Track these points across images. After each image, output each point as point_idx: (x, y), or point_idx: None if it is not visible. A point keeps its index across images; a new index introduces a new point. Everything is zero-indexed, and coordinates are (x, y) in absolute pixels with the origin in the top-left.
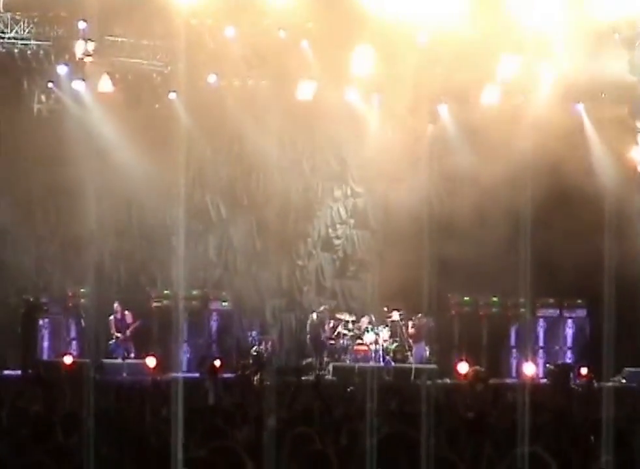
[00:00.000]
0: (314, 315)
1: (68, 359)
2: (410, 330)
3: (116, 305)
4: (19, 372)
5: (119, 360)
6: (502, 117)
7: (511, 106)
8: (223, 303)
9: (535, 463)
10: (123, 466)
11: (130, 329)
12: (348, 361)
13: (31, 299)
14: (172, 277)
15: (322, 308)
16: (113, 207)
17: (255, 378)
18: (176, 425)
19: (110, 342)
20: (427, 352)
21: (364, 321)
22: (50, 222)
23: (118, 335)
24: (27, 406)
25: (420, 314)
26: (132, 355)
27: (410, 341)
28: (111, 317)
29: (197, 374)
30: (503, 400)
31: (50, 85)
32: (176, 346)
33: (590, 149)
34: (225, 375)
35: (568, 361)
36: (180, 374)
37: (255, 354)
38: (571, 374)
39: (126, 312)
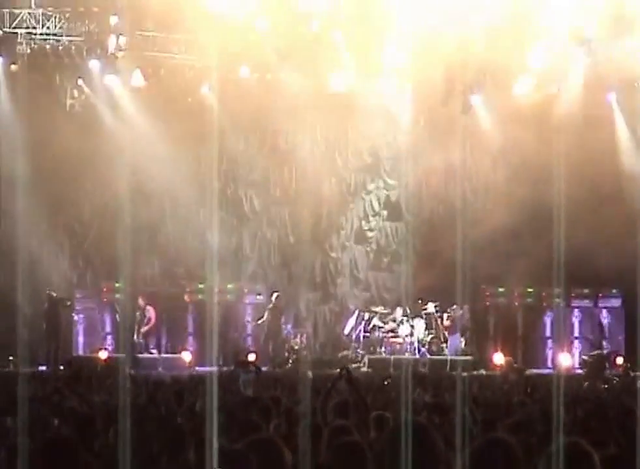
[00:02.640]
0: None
1: (103, 354)
2: (445, 322)
3: (140, 299)
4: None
5: (155, 355)
6: (535, 107)
7: (544, 96)
8: (258, 297)
9: (576, 453)
10: (161, 461)
11: (145, 328)
12: (383, 354)
13: (54, 294)
14: (206, 270)
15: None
16: (147, 201)
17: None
18: (211, 419)
19: (134, 338)
20: (463, 344)
21: (399, 313)
22: (83, 217)
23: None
24: (62, 402)
25: (454, 306)
26: (154, 351)
27: (446, 332)
28: (137, 313)
29: (232, 368)
30: (538, 390)
31: (80, 81)
32: (211, 340)
33: (621, 140)
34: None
35: (604, 351)
36: (215, 368)
37: (291, 347)
38: (607, 364)
39: (148, 307)
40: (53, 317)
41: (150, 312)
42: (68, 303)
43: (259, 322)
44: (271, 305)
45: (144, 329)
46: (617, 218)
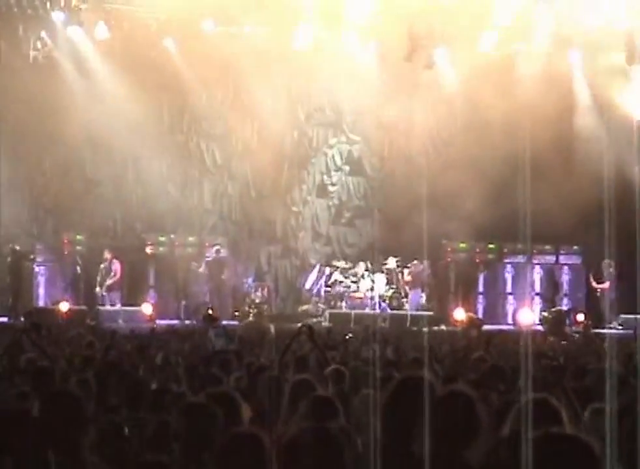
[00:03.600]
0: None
1: (64, 306)
2: (406, 277)
3: (106, 252)
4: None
5: (116, 307)
6: (498, 64)
7: (508, 52)
8: (221, 250)
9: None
10: (121, 411)
11: (109, 281)
12: (344, 309)
13: (17, 248)
14: (168, 224)
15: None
16: (109, 154)
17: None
18: (175, 372)
19: (96, 290)
20: (423, 299)
21: (360, 268)
22: (44, 170)
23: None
24: (21, 353)
25: (415, 261)
26: (118, 305)
27: (407, 287)
28: (102, 265)
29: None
30: (496, 346)
31: (43, 34)
32: (172, 293)
33: (581, 97)
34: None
35: (563, 307)
36: (176, 322)
37: (252, 300)
38: (567, 321)
39: (114, 260)
40: (15, 271)
41: (116, 265)
42: (32, 257)
43: (200, 270)
44: (210, 258)
45: (109, 282)
46: (578, 176)
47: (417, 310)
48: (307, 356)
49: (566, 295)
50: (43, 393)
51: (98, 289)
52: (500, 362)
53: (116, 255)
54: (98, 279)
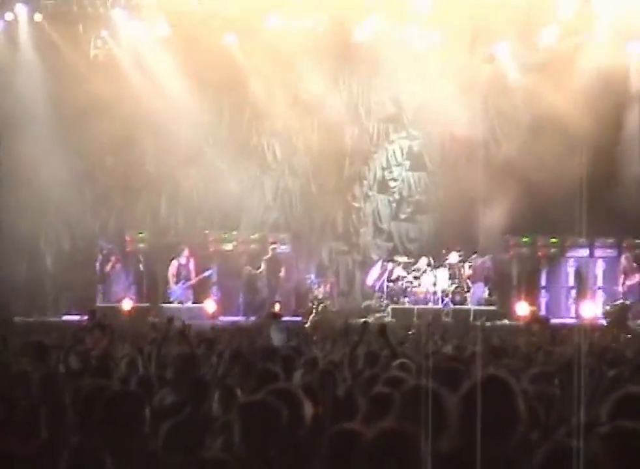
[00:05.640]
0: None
1: (127, 304)
2: (468, 271)
3: (186, 250)
4: (76, 317)
5: (178, 304)
6: (559, 58)
7: (570, 46)
8: (282, 247)
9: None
10: (183, 409)
11: (197, 278)
12: (407, 304)
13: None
14: (230, 220)
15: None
16: (171, 151)
17: (315, 321)
18: (235, 369)
19: (170, 286)
20: (486, 293)
21: (422, 263)
22: (106, 167)
23: (185, 280)
24: (86, 350)
25: (475, 255)
26: (190, 302)
27: (468, 281)
28: (174, 261)
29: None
30: (560, 340)
31: (104, 32)
32: (236, 290)
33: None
34: (285, 318)
35: (626, 301)
36: (239, 318)
37: (315, 296)
38: (629, 314)
39: (191, 258)
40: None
41: (192, 264)
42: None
43: (259, 271)
44: (268, 256)
45: (193, 281)
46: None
47: (479, 304)
48: (376, 352)
49: (629, 288)
50: (105, 395)
51: (175, 286)
52: (564, 357)
53: (194, 252)
54: (173, 275)
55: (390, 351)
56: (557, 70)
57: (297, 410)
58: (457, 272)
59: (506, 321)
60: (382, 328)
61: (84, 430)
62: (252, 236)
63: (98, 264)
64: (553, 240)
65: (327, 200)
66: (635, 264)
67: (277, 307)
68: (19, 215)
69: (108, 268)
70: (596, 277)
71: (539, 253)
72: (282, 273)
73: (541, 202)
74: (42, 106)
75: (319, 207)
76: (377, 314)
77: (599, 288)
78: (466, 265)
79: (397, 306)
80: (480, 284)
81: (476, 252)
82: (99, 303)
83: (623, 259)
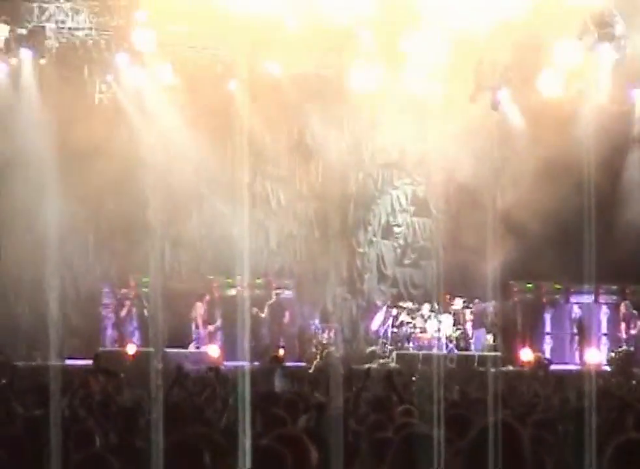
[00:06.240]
0: None
1: (131, 348)
2: (469, 316)
3: (207, 296)
4: (80, 362)
5: (182, 349)
6: (562, 103)
7: (572, 92)
8: (286, 292)
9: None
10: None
11: (212, 327)
12: (411, 349)
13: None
14: (233, 265)
15: None
16: (173, 196)
17: (319, 366)
18: (243, 414)
19: (199, 330)
20: (489, 339)
21: (426, 309)
22: (108, 212)
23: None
24: (90, 395)
25: (477, 300)
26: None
27: (469, 326)
28: (199, 303)
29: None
30: (564, 386)
31: (109, 77)
32: (240, 335)
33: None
34: (288, 363)
35: (630, 347)
36: (244, 363)
37: (319, 342)
38: (633, 361)
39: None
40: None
41: (200, 309)
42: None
43: (262, 315)
44: (272, 301)
45: (212, 327)
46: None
47: (482, 350)
48: (380, 397)
49: (633, 335)
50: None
51: (201, 330)
52: (569, 402)
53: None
54: (197, 318)
55: (397, 396)
56: (560, 116)
57: (303, 455)
58: (462, 318)
59: (510, 367)
60: (389, 374)
61: None
62: (256, 281)
63: (110, 309)
64: (557, 286)
65: (331, 246)
66: (635, 312)
67: (281, 352)
68: (21, 259)
69: (124, 312)
70: (599, 322)
71: (544, 299)
72: (286, 319)
73: (544, 248)
74: (43, 149)
75: (323, 252)
76: (381, 360)
77: (603, 334)
78: (467, 310)
79: (401, 352)
80: (482, 330)
81: (477, 298)
82: (102, 348)
83: (622, 307)
